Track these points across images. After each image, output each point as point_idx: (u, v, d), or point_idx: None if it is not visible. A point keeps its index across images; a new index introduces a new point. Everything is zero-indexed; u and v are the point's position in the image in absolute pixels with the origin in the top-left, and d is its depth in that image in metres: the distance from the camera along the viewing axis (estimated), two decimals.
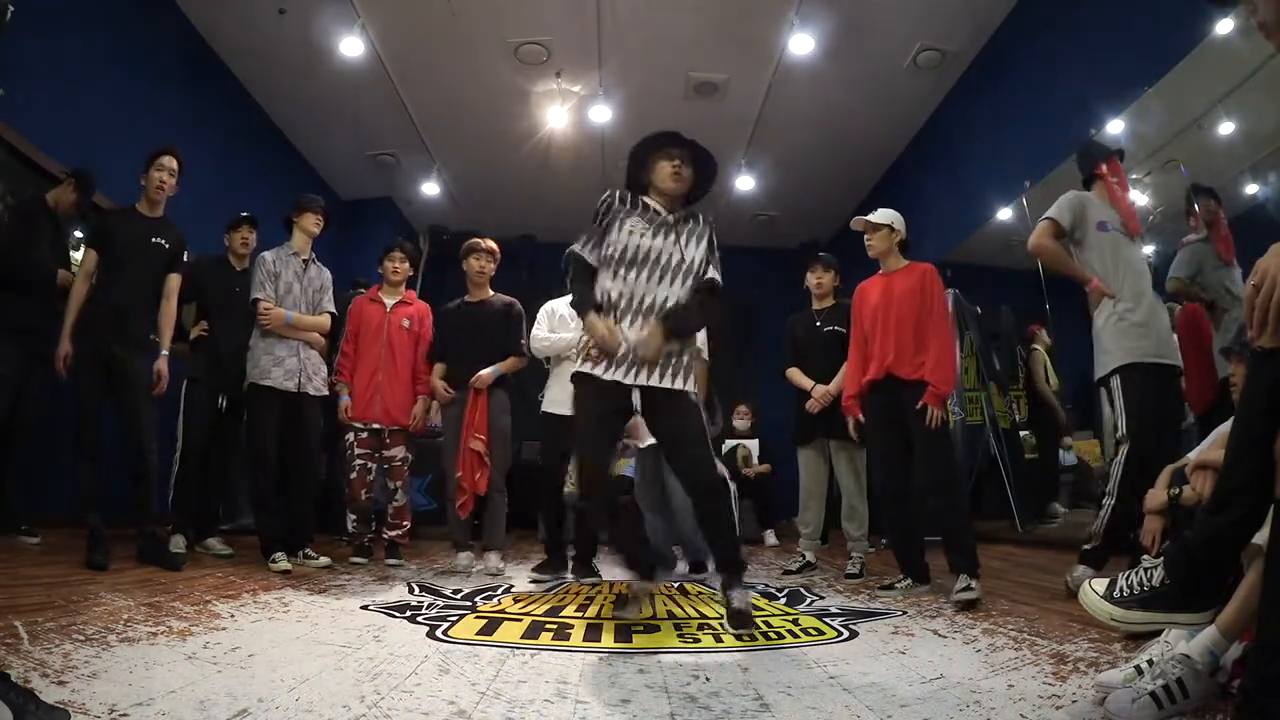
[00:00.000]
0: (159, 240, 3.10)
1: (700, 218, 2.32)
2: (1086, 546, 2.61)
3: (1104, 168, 2.87)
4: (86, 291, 2.98)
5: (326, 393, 3.50)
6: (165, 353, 3.13)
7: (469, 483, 3.33)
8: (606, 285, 2.21)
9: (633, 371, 2.15)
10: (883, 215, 3.07)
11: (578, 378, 2.22)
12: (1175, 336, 2.75)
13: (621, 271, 2.19)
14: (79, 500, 2.84)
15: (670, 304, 2.17)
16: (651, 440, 3.51)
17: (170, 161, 3.11)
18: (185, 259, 3.28)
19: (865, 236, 3.10)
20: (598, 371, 2.15)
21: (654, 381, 2.15)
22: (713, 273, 2.27)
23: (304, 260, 3.46)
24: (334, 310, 3.54)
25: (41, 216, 3.03)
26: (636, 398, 2.18)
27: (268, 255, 3.38)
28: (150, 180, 3.09)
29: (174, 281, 3.17)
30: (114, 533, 2.76)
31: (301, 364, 3.34)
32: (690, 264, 2.22)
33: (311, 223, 3.48)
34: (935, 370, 2.74)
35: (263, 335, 3.31)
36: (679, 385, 2.18)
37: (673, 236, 2.22)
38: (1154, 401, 2.60)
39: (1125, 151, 2.98)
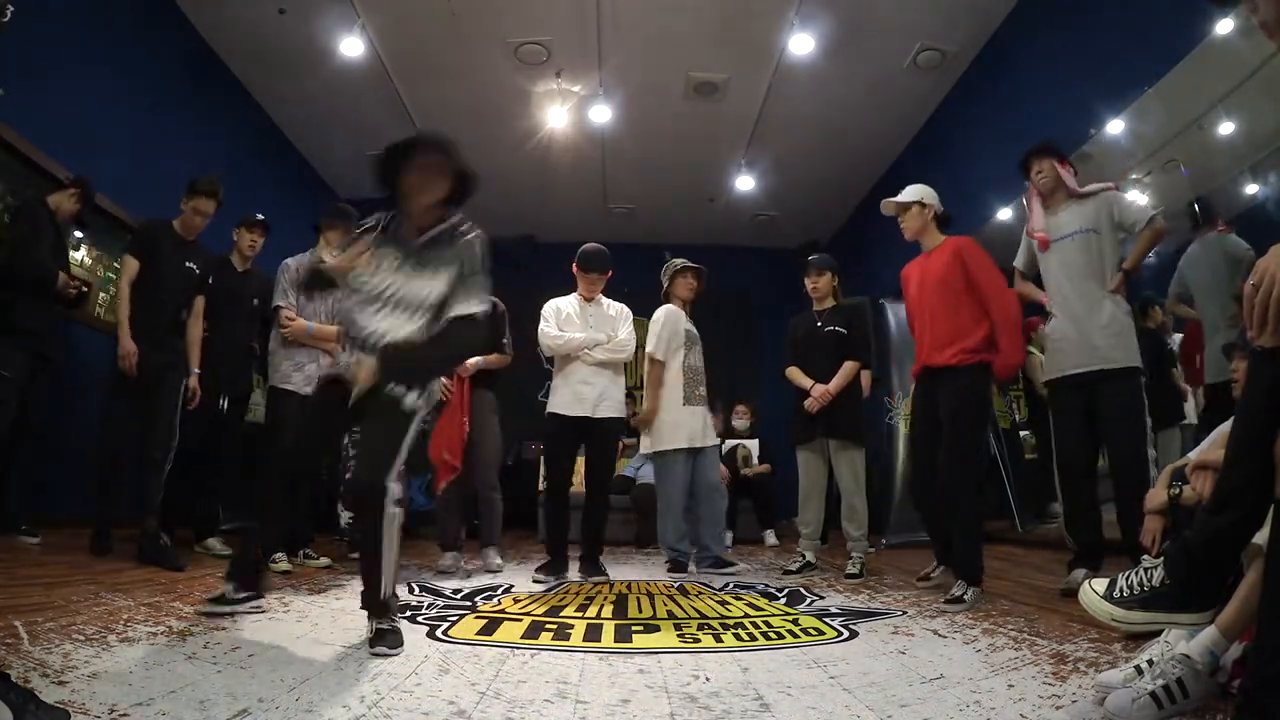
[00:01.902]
0: (191, 265, 3.25)
1: (455, 239, 2.07)
2: (1071, 559, 2.72)
3: (1030, 175, 2.87)
4: (132, 296, 3.11)
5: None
6: (197, 371, 3.27)
7: (442, 456, 3.36)
8: (345, 306, 2.08)
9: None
10: (910, 192, 2.89)
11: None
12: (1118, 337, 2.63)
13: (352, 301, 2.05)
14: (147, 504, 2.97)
15: (388, 338, 1.95)
16: (675, 445, 3.53)
17: (209, 206, 3.23)
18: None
19: (898, 219, 2.94)
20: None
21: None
22: (461, 307, 2.01)
23: None
24: None
25: (43, 218, 3.04)
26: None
27: (290, 263, 3.40)
28: (188, 218, 3.22)
29: (200, 304, 3.32)
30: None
31: (320, 369, 3.36)
32: (427, 299, 2.01)
33: (336, 238, 3.50)
34: (1001, 338, 2.59)
35: (284, 342, 3.36)
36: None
37: (410, 268, 2.02)
38: (1076, 413, 2.69)
39: (1048, 146, 2.86)
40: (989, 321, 2.63)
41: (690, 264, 3.70)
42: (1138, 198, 3.67)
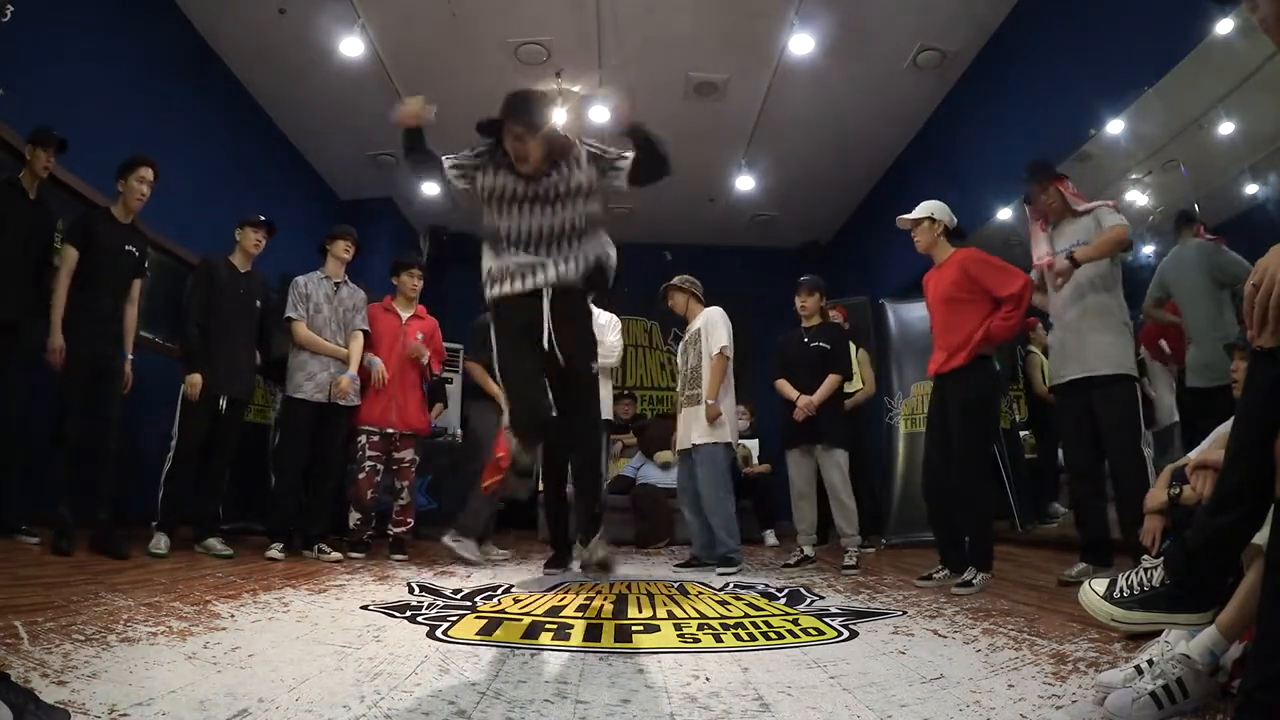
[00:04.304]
0: (130, 248, 3.22)
1: (572, 148, 2.37)
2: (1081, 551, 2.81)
3: (1037, 202, 2.96)
4: (70, 287, 3.01)
5: (357, 403, 3.69)
6: (130, 356, 3.23)
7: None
8: (495, 222, 2.29)
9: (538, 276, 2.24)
10: (921, 208, 3.07)
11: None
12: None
13: (506, 210, 2.29)
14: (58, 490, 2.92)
15: (566, 227, 2.28)
16: (686, 444, 3.63)
17: (149, 173, 3.19)
18: (196, 259, 3.56)
19: (911, 233, 3.12)
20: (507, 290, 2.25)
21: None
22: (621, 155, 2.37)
23: (335, 283, 3.72)
24: (366, 328, 3.78)
25: (8, 199, 2.92)
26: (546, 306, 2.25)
27: (300, 279, 3.66)
28: (131, 191, 3.16)
29: (137, 288, 3.28)
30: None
31: (333, 378, 3.60)
32: (581, 184, 2.31)
33: (341, 249, 3.75)
34: (1005, 305, 2.77)
35: (297, 352, 3.56)
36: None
37: (547, 178, 2.30)
38: (1074, 418, 2.81)
39: (1047, 168, 2.98)
40: (990, 322, 2.82)
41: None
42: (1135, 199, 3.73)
